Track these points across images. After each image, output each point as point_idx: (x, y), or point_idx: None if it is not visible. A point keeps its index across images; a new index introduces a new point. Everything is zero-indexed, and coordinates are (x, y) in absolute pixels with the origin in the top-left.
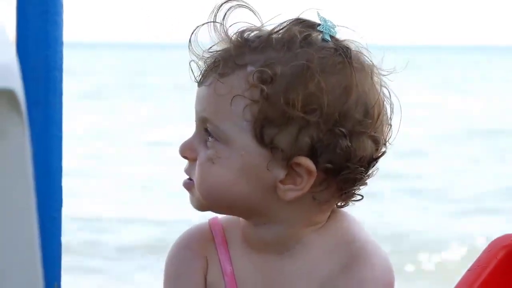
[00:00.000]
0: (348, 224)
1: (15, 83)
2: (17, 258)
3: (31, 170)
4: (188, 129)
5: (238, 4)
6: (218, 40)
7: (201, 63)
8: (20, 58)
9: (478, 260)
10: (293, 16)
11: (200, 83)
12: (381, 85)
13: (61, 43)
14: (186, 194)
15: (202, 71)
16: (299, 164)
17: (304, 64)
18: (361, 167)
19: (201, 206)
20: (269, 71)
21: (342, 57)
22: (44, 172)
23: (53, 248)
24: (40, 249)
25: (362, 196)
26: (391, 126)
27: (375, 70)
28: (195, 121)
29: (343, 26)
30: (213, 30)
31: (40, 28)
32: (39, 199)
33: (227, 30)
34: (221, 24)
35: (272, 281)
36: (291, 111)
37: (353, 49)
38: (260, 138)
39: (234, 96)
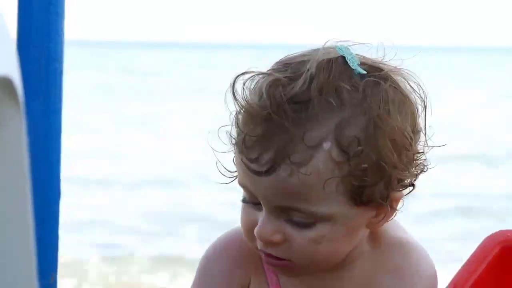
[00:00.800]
0: (392, 226)
1: (13, 72)
2: (12, 249)
3: (27, 160)
4: None
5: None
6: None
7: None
8: (22, 49)
9: (473, 255)
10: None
11: (267, 173)
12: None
13: (63, 35)
14: None
15: (266, 160)
16: (390, 200)
17: (373, 114)
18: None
19: (296, 273)
20: (347, 140)
21: (390, 85)
22: (42, 163)
23: (50, 240)
24: (36, 240)
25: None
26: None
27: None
28: (265, 205)
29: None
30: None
31: (42, 19)
32: (38, 190)
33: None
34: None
35: None
36: (384, 166)
37: (385, 69)
38: (360, 201)
39: (325, 181)
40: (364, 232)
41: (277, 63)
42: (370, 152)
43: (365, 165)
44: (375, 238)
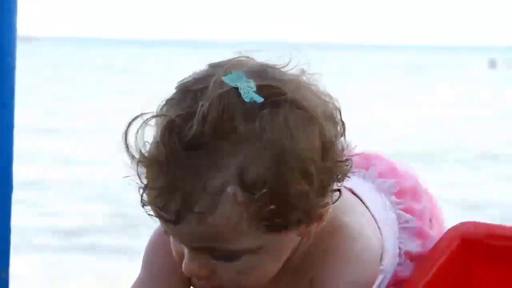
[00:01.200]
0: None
1: None
2: None
3: None
4: None
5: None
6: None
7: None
8: None
9: (433, 248)
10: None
11: (175, 223)
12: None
13: (15, 30)
14: None
15: (172, 210)
16: (318, 213)
17: (275, 148)
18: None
19: None
20: (251, 181)
21: (291, 105)
22: None
23: (2, 235)
24: None
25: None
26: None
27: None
28: (185, 246)
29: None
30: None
31: None
32: None
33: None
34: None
35: None
36: (295, 195)
37: (287, 84)
38: (280, 229)
39: (235, 224)
40: (297, 242)
41: (177, 88)
42: (278, 189)
43: (274, 204)
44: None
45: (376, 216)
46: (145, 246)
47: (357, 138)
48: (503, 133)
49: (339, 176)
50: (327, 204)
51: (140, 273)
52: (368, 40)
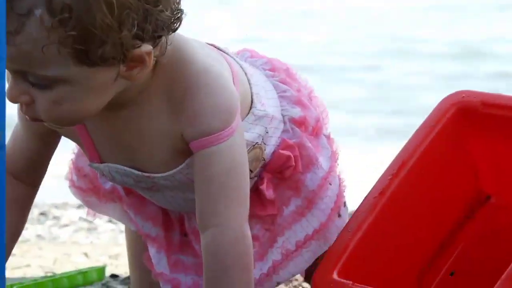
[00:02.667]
0: (179, 50)
1: None
2: None
3: None
4: None
5: None
6: None
7: None
8: None
9: (428, 118)
10: None
11: None
12: None
13: (4, 19)
14: None
15: None
16: (136, 56)
17: None
18: (178, 12)
19: (60, 127)
20: (58, 6)
21: None
22: None
23: None
24: None
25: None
26: None
27: None
28: (9, 70)
29: None
30: None
31: None
32: None
33: None
34: None
35: (120, 129)
36: (102, 26)
37: None
38: (90, 62)
39: (42, 47)
40: (122, 84)
41: None
42: (82, 16)
43: (79, 31)
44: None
45: (247, 72)
46: None
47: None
48: None
49: (163, 24)
50: (149, 48)
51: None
52: None
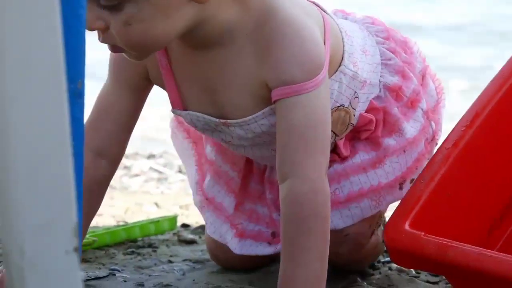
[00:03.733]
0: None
1: None
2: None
3: None
4: None
5: None
6: None
7: None
8: None
9: (502, 70)
10: None
11: None
12: None
13: None
14: None
15: None
16: None
17: None
18: None
19: (139, 57)
20: None
21: None
22: None
23: (77, 44)
24: (64, 44)
25: None
26: None
27: None
28: None
29: None
30: None
31: None
32: None
33: None
34: None
35: (204, 71)
36: None
37: None
38: None
39: None
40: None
41: None
42: None
43: None
44: (262, 14)
45: (343, 30)
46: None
47: None
48: None
49: None
50: None
51: (107, 83)
52: None
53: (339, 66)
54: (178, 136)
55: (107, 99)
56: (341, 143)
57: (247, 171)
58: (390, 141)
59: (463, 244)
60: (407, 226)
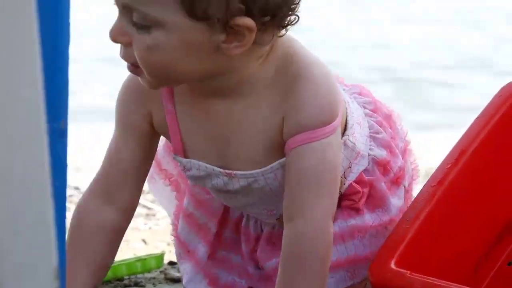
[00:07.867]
0: (288, 46)
1: None
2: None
3: None
4: None
5: None
6: None
7: None
8: None
9: (487, 107)
10: None
11: None
12: None
13: None
14: None
15: None
16: (238, 25)
17: None
18: (293, 4)
19: (153, 85)
20: None
21: None
22: None
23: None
24: (46, 81)
25: (298, 16)
26: None
27: None
28: (117, 6)
29: None
30: None
31: None
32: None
33: None
34: None
35: (217, 120)
36: None
37: None
38: (193, 13)
39: None
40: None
41: None
42: None
43: None
44: (273, 57)
45: (348, 100)
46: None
47: None
48: None
49: (274, 9)
50: (252, 23)
51: (114, 131)
52: None
53: (342, 136)
54: (158, 181)
55: (116, 146)
56: None
57: (222, 220)
58: (372, 217)
59: (449, 282)
60: (392, 265)
